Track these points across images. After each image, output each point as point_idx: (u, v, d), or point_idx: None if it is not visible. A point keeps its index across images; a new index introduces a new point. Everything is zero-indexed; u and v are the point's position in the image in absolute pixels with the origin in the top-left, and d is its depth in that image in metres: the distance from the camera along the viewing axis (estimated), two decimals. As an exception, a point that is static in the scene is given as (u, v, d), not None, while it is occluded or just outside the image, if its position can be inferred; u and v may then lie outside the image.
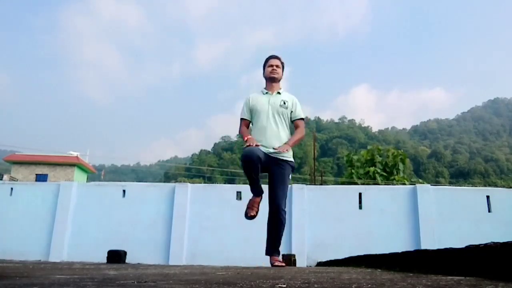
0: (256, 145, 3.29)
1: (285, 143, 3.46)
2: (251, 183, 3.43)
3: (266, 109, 3.58)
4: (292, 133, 3.67)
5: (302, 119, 3.69)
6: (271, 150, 3.42)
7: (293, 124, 3.69)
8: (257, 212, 3.45)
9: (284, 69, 3.82)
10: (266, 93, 3.71)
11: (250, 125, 3.72)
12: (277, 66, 3.71)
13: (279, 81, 3.74)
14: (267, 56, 3.81)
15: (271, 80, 3.71)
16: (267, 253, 3.51)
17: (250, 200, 3.54)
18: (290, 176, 3.55)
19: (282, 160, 3.48)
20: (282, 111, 3.59)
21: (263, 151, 3.34)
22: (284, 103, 3.63)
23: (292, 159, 3.58)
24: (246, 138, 3.39)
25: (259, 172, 3.36)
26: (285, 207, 3.46)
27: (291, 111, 3.65)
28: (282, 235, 3.51)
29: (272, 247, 3.50)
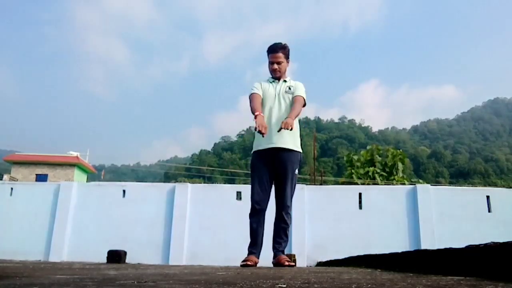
0: (261, 132, 3.10)
1: (286, 118, 3.22)
2: (252, 238, 3.42)
3: (273, 96, 3.51)
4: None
5: (302, 96, 3.53)
6: (276, 144, 3.35)
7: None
8: (253, 264, 3.28)
9: (289, 56, 3.60)
10: (272, 81, 3.62)
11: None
12: (278, 63, 3.53)
13: (282, 75, 3.61)
14: (271, 45, 3.56)
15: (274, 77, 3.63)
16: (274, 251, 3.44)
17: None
18: (297, 171, 3.45)
19: (288, 151, 3.38)
20: (288, 97, 3.52)
21: (267, 171, 3.39)
22: (290, 88, 3.55)
23: (299, 149, 3.48)
24: (257, 113, 3.23)
25: (263, 227, 3.41)
26: (291, 206, 3.43)
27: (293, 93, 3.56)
28: (286, 234, 3.45)
29: (276, 244, 3.41)
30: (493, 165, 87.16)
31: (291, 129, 3.16)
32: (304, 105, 3.55)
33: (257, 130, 3.13)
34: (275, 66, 3.53)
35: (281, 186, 3.42)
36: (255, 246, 3.42)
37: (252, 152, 3.56)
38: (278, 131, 3.21)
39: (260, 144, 3.45)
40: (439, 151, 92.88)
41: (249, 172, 3.59)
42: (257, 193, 3.40)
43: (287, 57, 3.59)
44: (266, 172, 3.43)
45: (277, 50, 3.52)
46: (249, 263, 3.25)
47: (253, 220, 3.42)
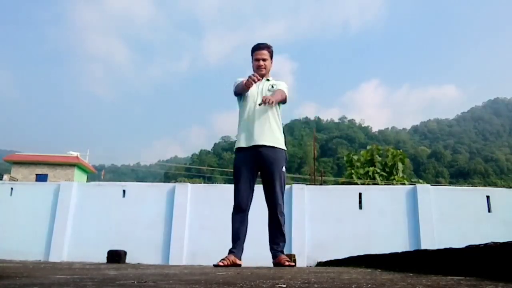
0: (252, 80, 3.22)
1: (271, 95, 3.29)
2: (232, 238, 3.34)
3: (255, 96, 3.44)
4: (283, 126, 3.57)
5: (284, 90, 3.50)
6: (258, 141, 3.31)
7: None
8: (228, 264, 3.16)
9: (273, 57, 3.60)
10: None
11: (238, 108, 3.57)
12: (264, 60, 3.51)
13: (267, 73, 3.58)
14: (256, 44, 3.57)
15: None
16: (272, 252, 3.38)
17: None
18: (284, 168, 3.39)
19: (272, 148, 3.32)
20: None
21: (250, 178, 3.33)
22: (272, 86, 3.49)
23: (283, 147, 3.42)
24: (251, 77, 3.26)
25: (246, 226, 3.35)
26: (283, 204, 3.35)
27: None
28: (282, 233, 3.38)
29: (274, 245, 3.35)
30: (493, 165, 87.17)
31: (271, 103, 3.18)
32: (285, 102, 3.54)
33: (251, 77, 3.21)
34: (261, 62, 3.50)
35: (270, 186, 3.35)
36: (235, 246, 3.33)
37: (234, 149, 3.48)
38: (259, 105, 3.27)
39: (241, 141, 3.39)
40: (439, 151, 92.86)
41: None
42: (240, 193, 3.34)
43: (271, 56, 3.59)
44: (249, 171, 3.36)
45: (262, 48, 3.54)
46: (220, 263, 3.14)
47: (235, 219, 3.36)
